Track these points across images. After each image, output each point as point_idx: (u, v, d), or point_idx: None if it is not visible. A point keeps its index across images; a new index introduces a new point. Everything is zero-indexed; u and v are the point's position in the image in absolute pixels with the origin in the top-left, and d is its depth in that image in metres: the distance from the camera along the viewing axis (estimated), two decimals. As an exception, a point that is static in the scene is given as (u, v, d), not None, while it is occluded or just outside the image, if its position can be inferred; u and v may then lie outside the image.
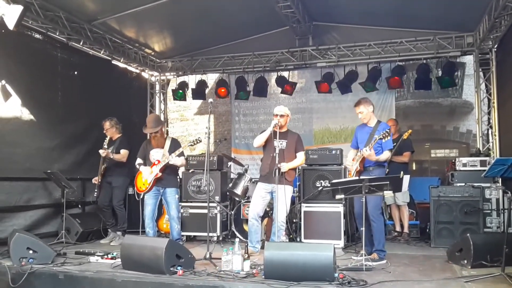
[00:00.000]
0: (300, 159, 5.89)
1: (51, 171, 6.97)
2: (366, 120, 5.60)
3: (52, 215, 7.24)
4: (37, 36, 7.32)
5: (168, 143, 6.21)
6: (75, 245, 6.73)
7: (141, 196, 6.14)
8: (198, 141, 6.01)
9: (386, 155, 5.44)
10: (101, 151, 6.91)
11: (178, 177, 6.55)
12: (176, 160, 6.01)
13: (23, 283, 4.68)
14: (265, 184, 5.83)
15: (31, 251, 5.04)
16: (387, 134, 5.20)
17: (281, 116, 5.74)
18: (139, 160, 6.29)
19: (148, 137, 6.46)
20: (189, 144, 6.09)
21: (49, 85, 7.44)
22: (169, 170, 6.12)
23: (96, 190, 7.08)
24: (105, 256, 5.41)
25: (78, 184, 7.74)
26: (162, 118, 10.43)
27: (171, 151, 6.07)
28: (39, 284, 4.75)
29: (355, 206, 5.63)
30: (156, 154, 6.13)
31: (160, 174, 5.99)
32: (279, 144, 5.66)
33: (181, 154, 6.13)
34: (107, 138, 7.11)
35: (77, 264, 5.15)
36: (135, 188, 6.24)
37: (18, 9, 6.05)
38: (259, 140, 5.86)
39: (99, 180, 7.06)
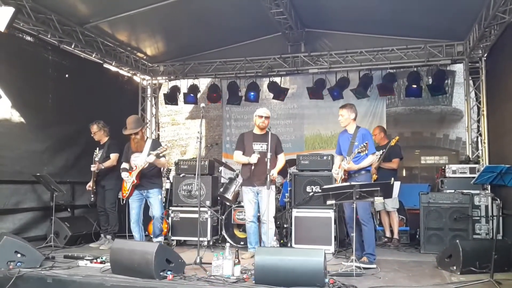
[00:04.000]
0: (282, 161, 6.01)
1: (41, 174, 6.92)
2: (343, 124, 5.73)
3: (41, 218, 7.18)
4: (29, 38, 7.28)
5: (148, 144, 6.10)
6: (63, 249, 6.65)
7: (124, 201, 6.14)
8: (164, 150, 5.87)
9: (369, 159, 5.51)
10: (92, 167, 6.88)
11: (161, 177, 6.47)
12: (150, 158, 5.80)
13: (11, 287, 4.61)
14: (249, 188, 5.94)
15: (19, 255, 4.99)
16: (364, 149, 5.25)
17: (266, 118, 5.86)
18: (124, 165, 6.23)
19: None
20: (155, 152, 5.80)
21: (40, 88, 7.40)
22: (148, 173, 6.04)
23: (92, 195, 7.07)
24: (94, 260, 5.36)
25: (68, 188, 7.68)
26: (153, 123, 10.43)
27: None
28: (26, 288, 4.69)
29: (346, 211, 5.67)
30: (136, 159, 6.03)
31: (136, 181, 5.93)
32: (260, 147, 5.73)
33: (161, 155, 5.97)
34: (97, 150, 7.01)
35: (65, 268, 5.10)
36: (121, 193, 6.22)
37: (10, 11, 6.01)
38: (239, 160, 6.05)
39: (93, 186, 7.02)
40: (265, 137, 5.90)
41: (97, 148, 7.07)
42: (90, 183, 7.02)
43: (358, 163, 5.47)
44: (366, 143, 5.29)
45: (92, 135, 7.15)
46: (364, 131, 5.65)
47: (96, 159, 6.95)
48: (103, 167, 6.91)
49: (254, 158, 5.84)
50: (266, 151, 5.77)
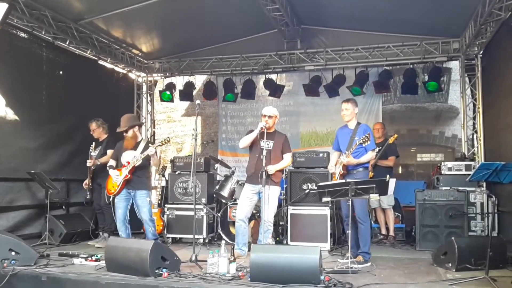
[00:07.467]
0: (286, 161, 5.87)
1: (35, 172, 6.87)
2: (347, 118, 5.68)
3: (35, 216, 7.13)
4: (22, 35, 7.20)
5: (142, 145, 5.98)
6: (58, 246, 6.63)
7: (111, 199, 5.99)
8: (167, 141, 5.82)
9: (369, 155, 5.51)
10: (88, 163, 6.93)
11: (150, 179, 6.29)
12: (151, 150, 5.69)
13: (5, 285, 4.60)
14: (251, 185, 5.80)
15: (13, 253, 4.97)
16: (367, 139, 5.28)
17: (269, 117, 5.72)
18: (110, 162, 6.10)
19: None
20: (157, 145, 5.80)
21: (34, 85, 7.33)
22: (139, 172, 5.90)
23: (88, 193, 7.08)
24: (89, 258, 5.34)
25: (62, 185, 7.64)
26: (148, 120, 10.39)
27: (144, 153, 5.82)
28: (21, 286, 4.67)
29: (343, 208, 5.64)
30: (127, 156, 5.89)
31: (129, 175, 5.80)
32: (266, 145, 5.64)
33: (153, 154, 5.84)
34: (93, 145, 7.02)
35: (60, 266, 5.08)
36: (106, 190, 6.09)
37: (3, 7, 5.96)
38: (245, 141, 5.82)
39: (90, 184, 7.04)
40: (273, 135, 5.84)
41: (93, 144, 7.05)
42: (86, 181, 7.04)
43: (358, 158, 5.46)
44: (368, 134, 5.32)
45: (91, 133, 7.21)
46: (365, 127, 5.63)
47: (92, 154, 6.97)
48: (99, 163, 6.94)
49: (260, 125, 5.62)
50: (272, 149, 5.73)
